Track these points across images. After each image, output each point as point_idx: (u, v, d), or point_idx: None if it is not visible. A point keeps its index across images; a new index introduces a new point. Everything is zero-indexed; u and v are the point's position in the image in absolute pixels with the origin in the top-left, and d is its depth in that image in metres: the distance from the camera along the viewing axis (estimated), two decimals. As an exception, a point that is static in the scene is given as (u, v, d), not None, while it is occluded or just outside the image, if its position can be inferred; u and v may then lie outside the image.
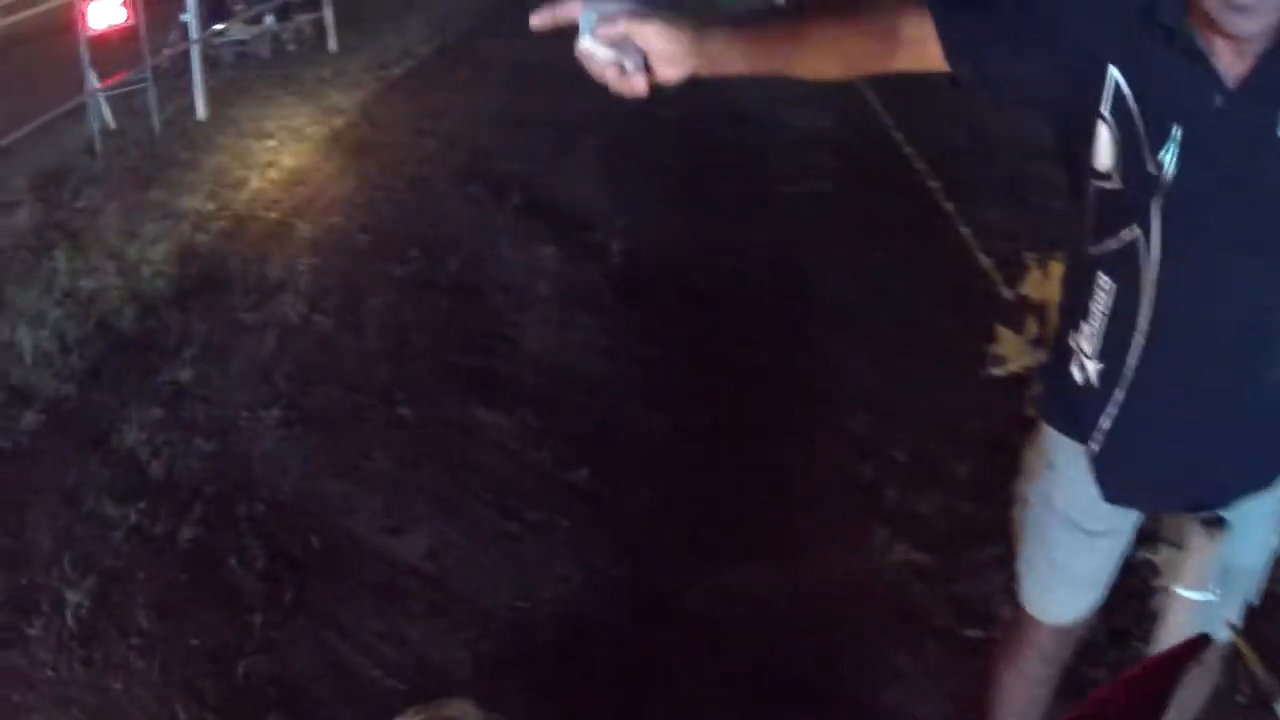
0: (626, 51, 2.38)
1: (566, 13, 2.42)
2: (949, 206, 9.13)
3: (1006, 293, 6.24)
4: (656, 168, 11.47)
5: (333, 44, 19.64)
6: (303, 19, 20.86)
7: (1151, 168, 2.34)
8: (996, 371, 4.39)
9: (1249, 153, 2.28)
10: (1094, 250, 2.60)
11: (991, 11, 2.50)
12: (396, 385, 7.11)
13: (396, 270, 8.87)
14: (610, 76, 2.46)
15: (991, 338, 5.77)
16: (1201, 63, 2.26)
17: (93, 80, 14.18)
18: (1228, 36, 2.19)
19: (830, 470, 6.29)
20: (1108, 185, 2.47)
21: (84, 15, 14.37)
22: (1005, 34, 2.49)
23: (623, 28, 2.39)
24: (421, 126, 13.43)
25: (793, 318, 7.99)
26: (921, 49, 2.51)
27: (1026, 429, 3.17)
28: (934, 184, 9.60)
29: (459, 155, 12.00)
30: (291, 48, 19.89)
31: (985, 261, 7.52)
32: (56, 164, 13.06)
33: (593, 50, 2.38)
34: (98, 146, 13.42)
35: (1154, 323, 2.49)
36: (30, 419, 7.20)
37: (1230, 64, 2.26)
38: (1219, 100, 2.27)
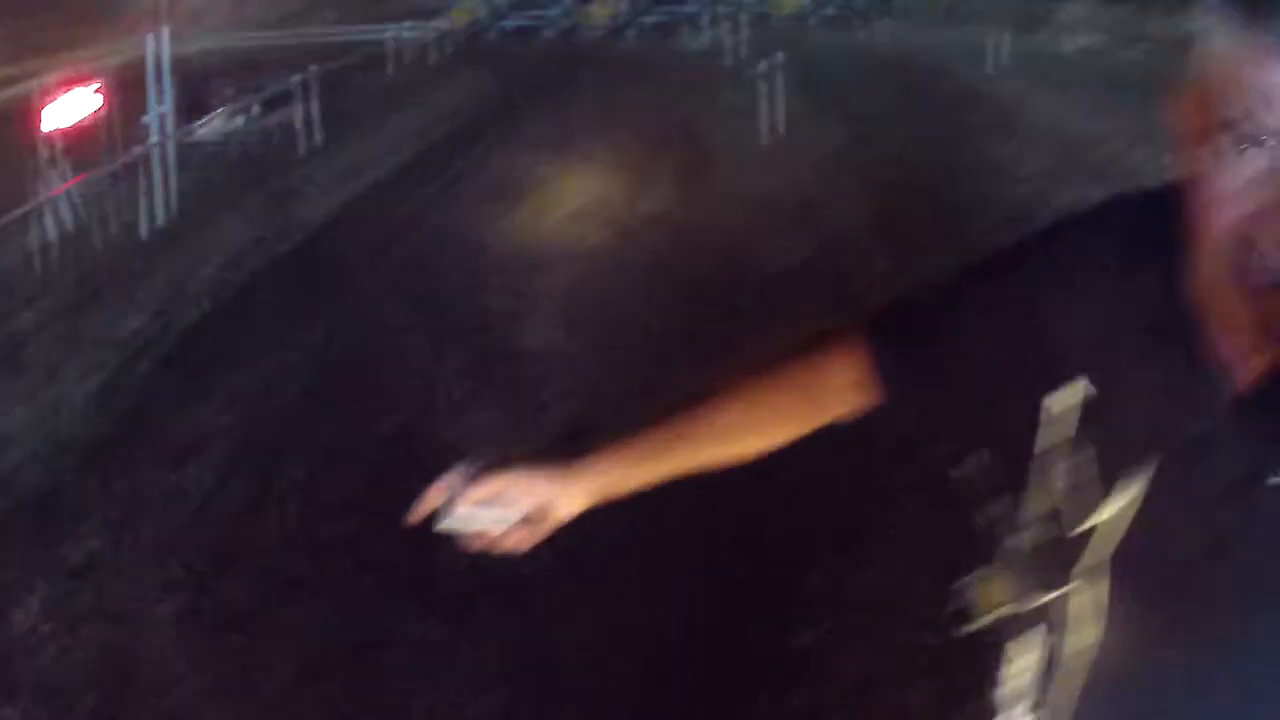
0: (493, 514, 2.02)
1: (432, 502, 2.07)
2: None
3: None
4: (633, 315, 10.92)
5: (308, 145, 19.39)
6: (281, 114, 20.73)
7: (1105, 509, 1.81)
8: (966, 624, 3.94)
9: (1237, 496, 1.73)
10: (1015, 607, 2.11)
11: (943, 342, 2.01)
12: (310, 578, 6.61)
13: (327, 429, 8.41)
14: (481, 545, 2.03)
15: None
16: (1200, 368, 1.70)
17: (49, 183, 13.88)
18: (1259, 317, 1.64)
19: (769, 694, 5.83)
20: (1045, 529, 1.97)
21: (39, 116, 14.06)
22: (962, 365, 2.01)
23: (462, 503, 2.00)
24: (386, 247, 13.07)
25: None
26: (856, 393, 2.03)
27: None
28: None
29: (417, 285, 11.61)
30: (268, 144, 19.69)
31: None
32: (6, 269, 12.72)
33: (454, 528, 2.03)
34: (39, 259, 13.02)
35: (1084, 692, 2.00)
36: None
37: (1242, 365, 1.70)
38: (1210, 422, 1.71)
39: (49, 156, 14.19)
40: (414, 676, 5.91)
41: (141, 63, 29.03)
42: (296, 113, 20.33)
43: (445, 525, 2.00)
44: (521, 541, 2.07)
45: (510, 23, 46.40)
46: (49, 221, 13.70)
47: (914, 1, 54.90)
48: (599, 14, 45.95)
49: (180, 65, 17.53)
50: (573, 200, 15.42)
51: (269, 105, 20.95)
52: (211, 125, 19.34)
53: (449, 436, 8.24)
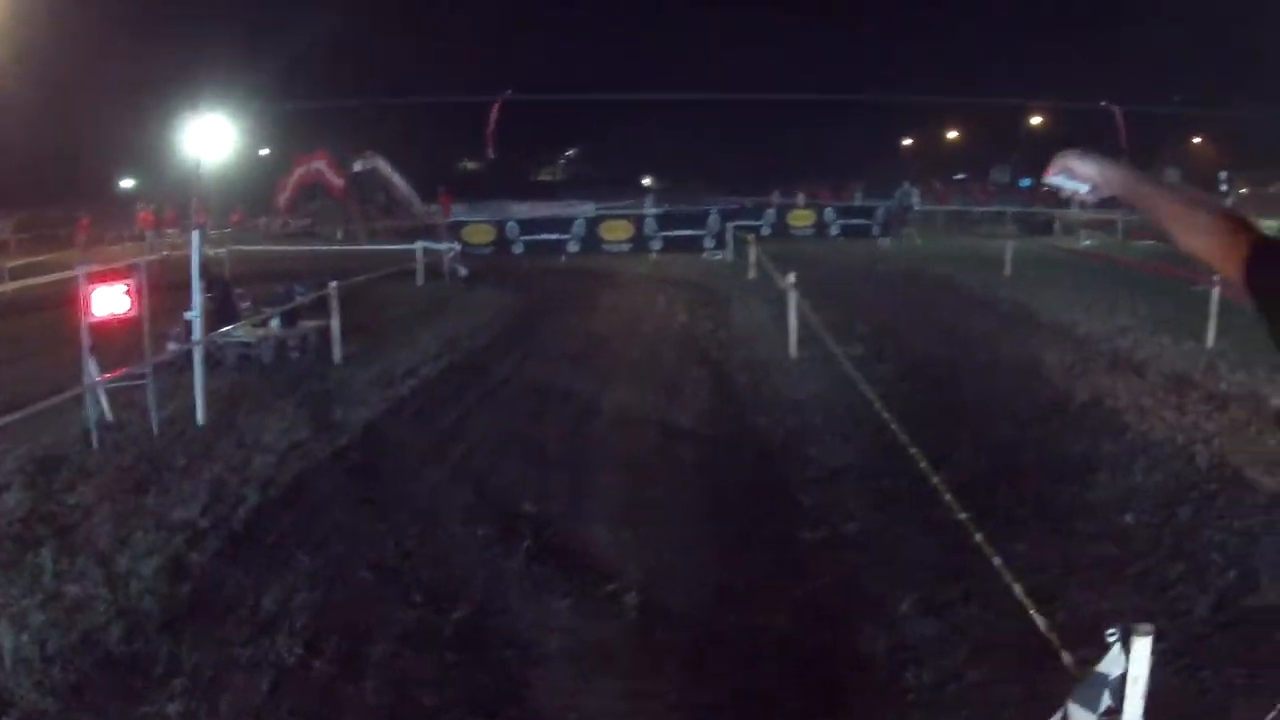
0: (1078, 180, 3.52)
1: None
2: (981, 541, 8.87)
3: (1067, 658, 6.09)
4: (676, 509, 11.50)
5: (338, 355, 19.97)
6: (308, 326, 21.29)
7: None
8: (1066, 753, 4.29)
9: None
10: None
11: None
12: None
13: (400, 615, 8.78)
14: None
15: (1053, 710, 5.57)
16: None
17: (92, 371, 14.35)
18: None
19: None
20: None
21: (87, 301, 14.60)
22: None
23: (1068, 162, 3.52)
24: (429, 453, 13.57)
25: (823, 679, 7.80)
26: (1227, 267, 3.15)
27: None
28: (963, 516, 9.48)
29: (467, 489, 12.07)
30: (295, 355, 20.25)
31: (1039, 621, 7.27)
32: (51, 451, 13.15)
33: (1054, 184, 3.60)
34: (94, 440, 13.51)
35: None
36: (3, 729, 7.06)
37: None
38: None
39: (91, 346, 14.69)
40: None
41: (165, 262, 29.82)
42: (321, 325, 21.00)
43: (1050, 181, 3.56)
44: (1086, 201, 3.56)
45: (526, 237, 48.00)
46: (94, 407, 14.17)
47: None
48: (616, 233, 47.61)
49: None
50: (611, 407, 15.99)
51: (291, 317, 21.46)
52: (237, 332, 19.81)
53: (524, 623, 8.64)
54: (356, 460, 13.47)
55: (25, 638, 8.19)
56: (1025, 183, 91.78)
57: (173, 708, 7.30)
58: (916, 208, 59.90)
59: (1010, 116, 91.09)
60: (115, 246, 56.58)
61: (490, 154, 40.43)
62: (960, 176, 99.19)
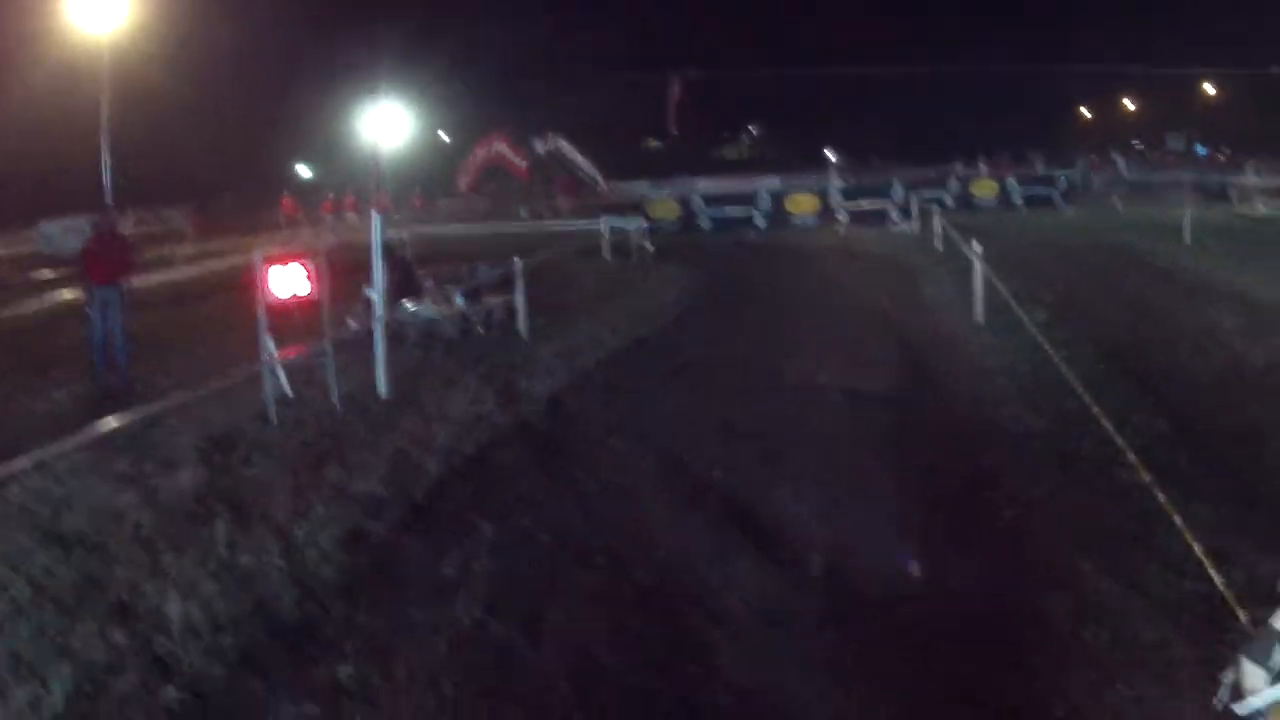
0: None
1: None
2: (1164, 502, 8.80)
3: (1243, 616, 5.96)
4: (862, 474, 11.41)
5: (523, 329, 20.01)
6: (493, 301, 21.37)
7: None
8: (1237, 708, 4.17)
9: None
10: None
11: None
12: (577, 709, 6.88)
13: (582, 578, 8.73)
14: None
15: (1226, 666, 5.45)
16: None
17: (270, 349, 14.51)
18: None
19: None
20: None
21: (264, 282, 14.78)
22: None
23: None
24: (614, 424, 13.50)
25: (1005, 639, 7.86)
26: None
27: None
28: (1146, 478, 9.35)
29: (652, 458, 11.98)
30: (480, 330, 20.32)
31: (1217, 580, 7.15)
32: (227, 428, 13.31)
33: None
34: (272, 416, 13.65)
35: None
36: (170, 695, 7.16)
37: None
38: None
39: (269, 324, 14.88)
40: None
41: (347, 246, 30.31)
42: (506, 300, 21.07)
43: None
44: None
45: (712, 212, 48.07)
46: (271, 385, 14.33)
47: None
48: (802, 207, 47.62)
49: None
50: (800, 376, 15.83)
51: (475, 293, 21.54)
52: (421, 309, 19.96)
53: (709, 585, 8.54)
54: (542, 432, 13.45)
55: (194, 606, 8.28)
56: (1201, 150, 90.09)
57: (344, 670, 7.36)
58: (1126, 177, 59.34)
59: (1184, 84, 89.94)
60: (288, 232, 58.03)
61: (673, 130, 40.45)
62: (1137, 145, 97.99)
